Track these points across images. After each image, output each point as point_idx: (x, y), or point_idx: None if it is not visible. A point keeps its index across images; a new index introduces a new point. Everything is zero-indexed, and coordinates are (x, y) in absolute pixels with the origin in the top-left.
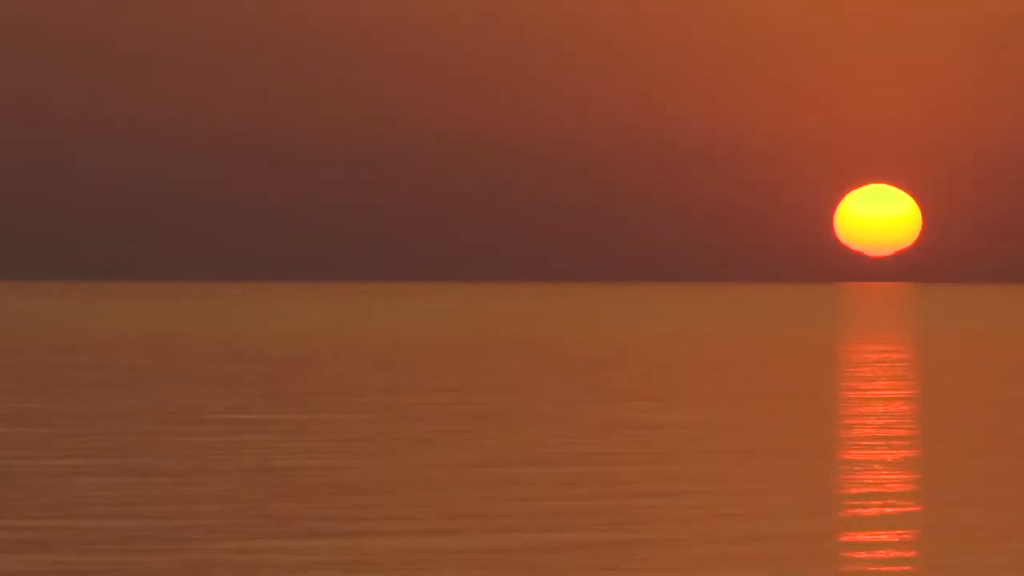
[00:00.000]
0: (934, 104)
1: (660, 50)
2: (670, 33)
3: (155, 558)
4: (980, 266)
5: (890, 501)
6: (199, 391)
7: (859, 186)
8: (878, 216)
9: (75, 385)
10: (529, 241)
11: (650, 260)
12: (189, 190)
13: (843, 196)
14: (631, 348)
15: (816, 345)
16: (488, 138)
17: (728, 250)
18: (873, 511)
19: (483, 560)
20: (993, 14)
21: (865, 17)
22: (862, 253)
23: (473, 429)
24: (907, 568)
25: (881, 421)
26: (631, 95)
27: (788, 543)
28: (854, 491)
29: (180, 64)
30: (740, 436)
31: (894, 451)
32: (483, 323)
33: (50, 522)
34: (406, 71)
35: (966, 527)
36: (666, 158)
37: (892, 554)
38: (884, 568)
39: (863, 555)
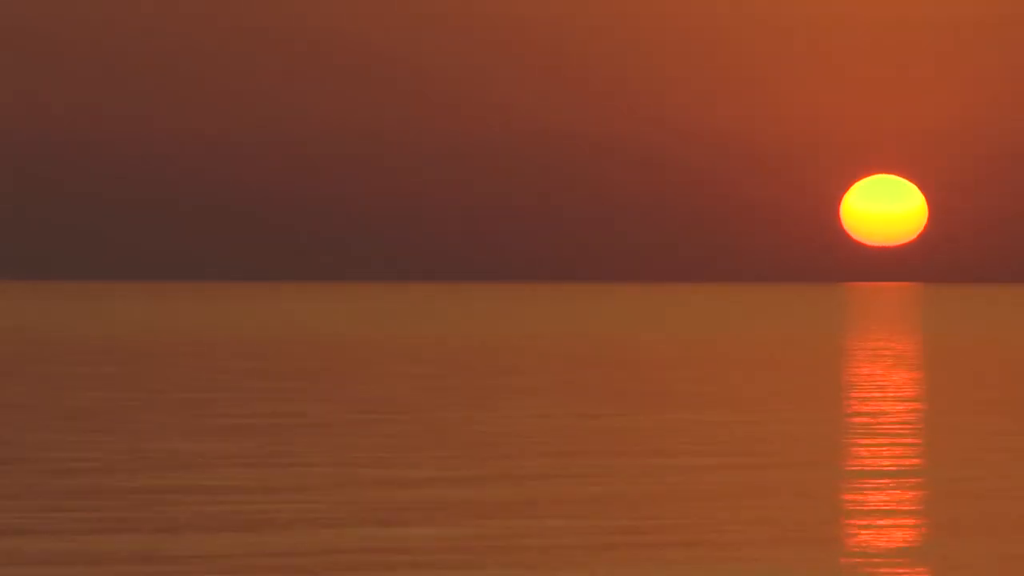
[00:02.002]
0: (937, 95)
1: (659, 49)
2: (669, 32)
3: None
4: (992, 262)
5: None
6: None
7: (861, 178)
8: (885, 206)
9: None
10: (530, 241)
11: (649, 260)
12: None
13: (847, 189)
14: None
15: (837, 348)
16: (487, 139)
17: (732, 247)
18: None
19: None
20: (1004, 9)
21: (868, 9)
22: (869, 245)
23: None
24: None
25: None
26: (629, 94)
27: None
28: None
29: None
30: (744, 442)
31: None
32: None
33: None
34: (411, 73)
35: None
36: (667, 156)
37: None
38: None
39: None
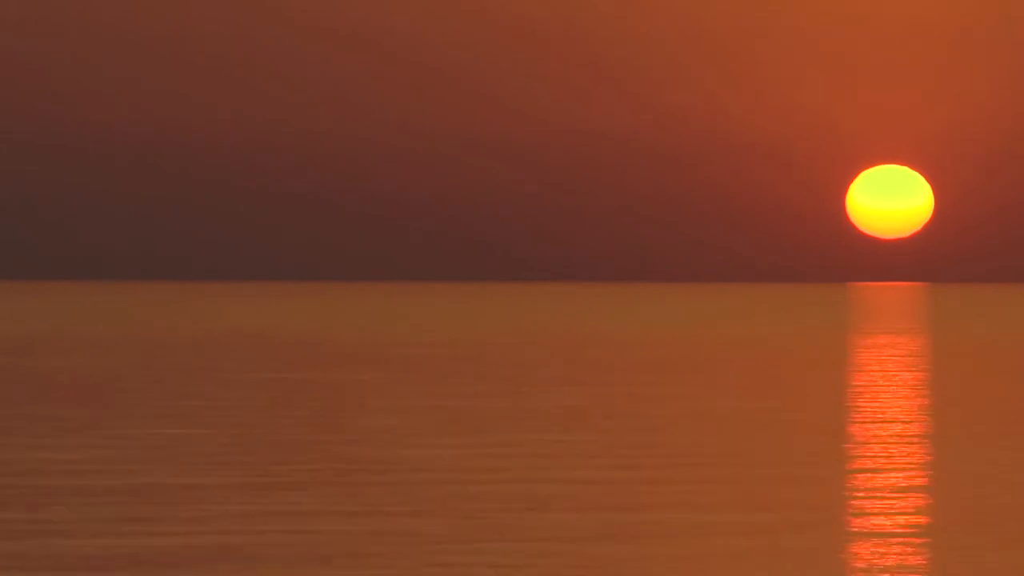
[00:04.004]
0: (946, 91)
1: (657, 46)
2: (668, 31)
3: None
4: (998, 258)
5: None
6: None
7: (866, 168)
8: (890, 196)
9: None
10: (533, 240)
11: (653, 260)
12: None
13: (852, 180)
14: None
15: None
16: (488, 139)
17: (737, 246)
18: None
19: None
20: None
21: (881, 7)
22: (875, 237)
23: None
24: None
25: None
26: (629, 94)
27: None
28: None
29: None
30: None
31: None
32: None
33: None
34: (404, 74)
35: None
36: (669, 155)
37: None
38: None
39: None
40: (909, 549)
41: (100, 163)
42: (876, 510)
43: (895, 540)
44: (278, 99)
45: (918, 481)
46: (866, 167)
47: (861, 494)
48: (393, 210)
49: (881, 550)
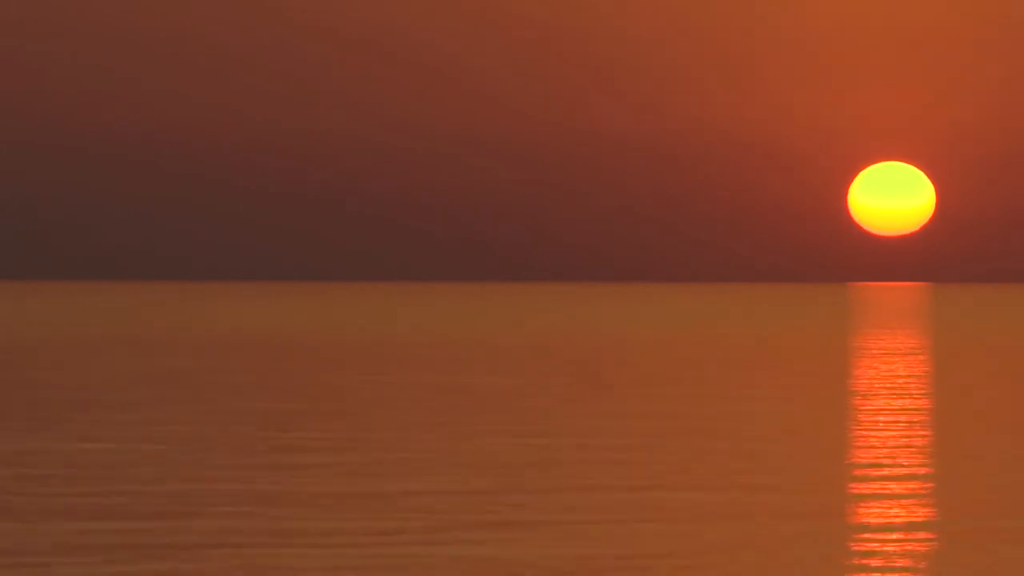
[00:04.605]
0: (952, 91)
1: (659, 48)
2: (668, 31)
3: None
4: (999, 256)
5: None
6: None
7: (867, 166)
8: (892, 193)
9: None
10: (533, 241)
11: (654, 259)
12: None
13: (852, 179)
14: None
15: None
16: (488, 139)
17: (737, 246)
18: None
19: None
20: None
21: (888, 8)
22: (877, 234)
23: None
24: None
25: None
26: (629, 94)
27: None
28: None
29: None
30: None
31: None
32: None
33: None
34: (404, 74)
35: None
36: (669, 155)
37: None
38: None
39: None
40: (914, 546)
41: (100, 163)
42: (878, 512)
43: (898, 541)
44: (278, 99)
45: (920, 483)
46: (867, 166)
47: (864, 494)
48: (393, 210)
49: (886, 549)
